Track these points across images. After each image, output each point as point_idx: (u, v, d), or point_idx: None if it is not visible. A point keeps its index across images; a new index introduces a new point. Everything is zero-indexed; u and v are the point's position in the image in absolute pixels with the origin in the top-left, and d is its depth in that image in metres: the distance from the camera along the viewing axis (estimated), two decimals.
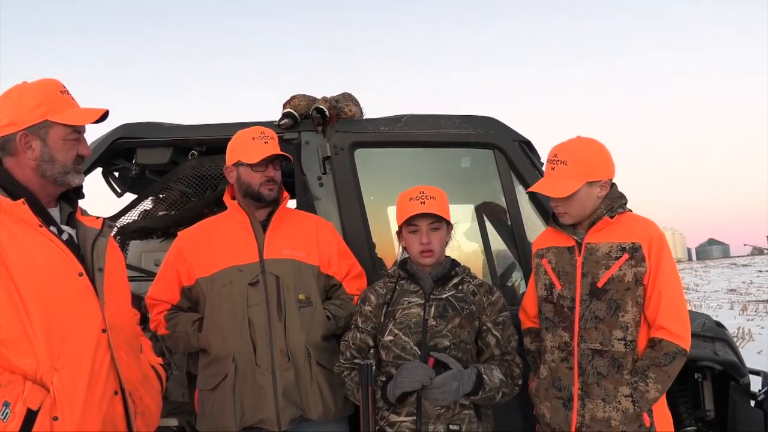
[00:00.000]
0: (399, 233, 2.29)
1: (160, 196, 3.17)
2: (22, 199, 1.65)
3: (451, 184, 3.01)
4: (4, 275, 1.58)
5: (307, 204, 2.91)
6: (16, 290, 1.58)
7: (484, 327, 2.22)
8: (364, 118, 3.08)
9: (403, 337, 2.15)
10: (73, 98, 1.79)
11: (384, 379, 2.12)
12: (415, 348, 2.13)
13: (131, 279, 2.48)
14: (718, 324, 3.02)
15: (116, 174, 3.37)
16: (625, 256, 2.14)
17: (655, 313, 2.12)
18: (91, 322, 1.69)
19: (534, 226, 2.91)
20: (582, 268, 2.20)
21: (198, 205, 3.01)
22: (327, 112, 2.91)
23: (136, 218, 3.16)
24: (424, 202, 2.17)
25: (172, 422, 2.80)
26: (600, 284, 2.15)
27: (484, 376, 2.08)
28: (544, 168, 2.45)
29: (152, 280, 2.56)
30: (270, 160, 2.38)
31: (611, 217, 2.18)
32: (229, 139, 2.46)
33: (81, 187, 1.83)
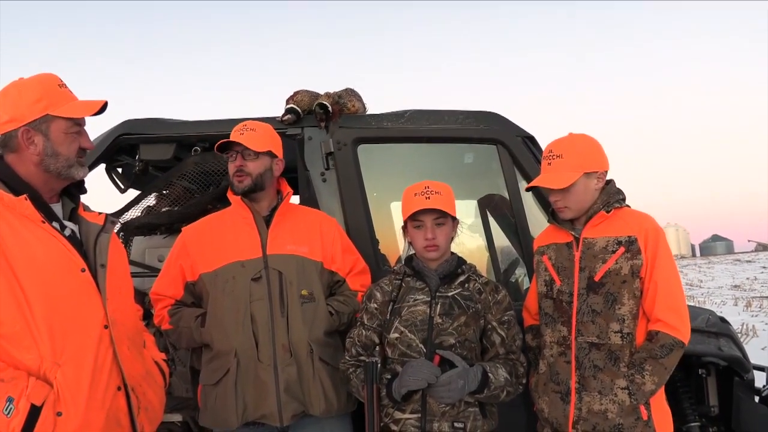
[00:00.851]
0: (404, 228, 2.29)
1: (164, 192, 3.17)
2: (25, 195, 1.65)
3: (454, 179, 3.00)
4: (6, 271, 1.58)
5: (310, 200, 2.91)
6: (18, 286, 1.59)
7: (490, 326, 2.21)
8: (367, 113, 3.07)
9: (408, 334, 2.15)
10: (71, 91, 1.78)
11: (389, 376, 2.12)
12: (420, 345, 2.13)
13: (134, 275, 2.49)
14: (722, 320, 3.01)
15: (119, 170, 3.38)
16: (621, 249, 2.15)
17: (652, 305, 2.12)
18: (93, 318, 1.69)
19: (537, 221, 2.91)
20: (580, 263, 2.21)
21: (201, 201, 3.01)
22: (330, 108, 2.91)
23: (139, 214, 3.17)
24: (429, 198, 2.16)
25: (176, 417, 2.81)
26: (597, 278, 2.16)
27: (490, 374, 2.07)
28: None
29: (155, 276, 2.57)
30: (239, 151, 2.36)
31: (607, 212, 2.19)
32: None
33: (83, 182, 1.83)
